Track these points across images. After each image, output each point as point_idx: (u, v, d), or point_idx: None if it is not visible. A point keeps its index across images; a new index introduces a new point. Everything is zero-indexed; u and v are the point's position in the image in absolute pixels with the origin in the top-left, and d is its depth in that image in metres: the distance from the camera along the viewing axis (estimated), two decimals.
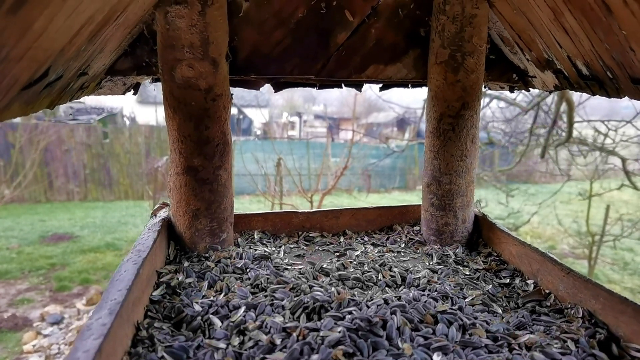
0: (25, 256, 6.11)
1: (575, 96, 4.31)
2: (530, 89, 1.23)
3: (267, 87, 1.15)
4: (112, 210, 9.13)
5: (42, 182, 9.71)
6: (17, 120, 9.90)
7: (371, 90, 5.08)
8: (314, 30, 1.05)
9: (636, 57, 0.74)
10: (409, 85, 1.20)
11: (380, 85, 1.19)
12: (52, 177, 9.81)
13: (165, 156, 8.57)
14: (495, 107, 5.63)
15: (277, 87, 1.12)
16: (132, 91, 1.09)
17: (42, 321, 4.61)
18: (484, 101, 5.04)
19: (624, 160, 4.83)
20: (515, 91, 1.29)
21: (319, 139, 13.92)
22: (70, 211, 8.90)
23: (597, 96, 0.98)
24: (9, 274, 5.55)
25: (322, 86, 1.15)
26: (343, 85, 1.16)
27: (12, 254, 6.20)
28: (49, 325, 4.54)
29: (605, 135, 4.94)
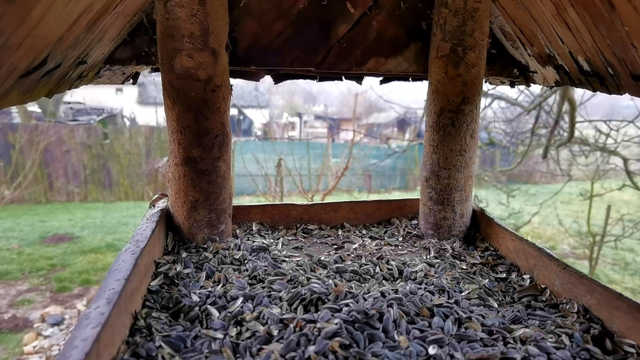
0: (25, 257, 6.11)
1: (577, 96, 4.32)
2: (531, 84, 1.23)
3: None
4: (113, 211, 9.12)
5: (42, 183, 9.71)
6: (17, 120, 9.92)
7: (372, 90, 5.08)
8: (315, 22, 1.05)
9: (638, 53, 0.74)
10: (410, 79, 1.20)
11: (381, 78, 1.19)
12: (52, 178, 9.81)
13: (166, 157, 8.57)
14: (497, 107, 5.62)
15: (277, 79, 1.12)
16: (131, 81, 1.09)
17: (43, 322, 4.60)
18: (485, 101, 5.05)
19: (625, 160, 4.82)
20: (515, 86, 1.29)
21: (320, 140, 13.94)
22: (71, 212, 8.89)
23: (598, 93, 0.98)
24: (9, 274, 5.55)
25: (322, 78, 1.15)
26: (343, 77, 1.16)
27: (12, 254, 6.19)
28: (50, 326, 4.52)
29: (607, 136, 4.93)
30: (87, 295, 5.13)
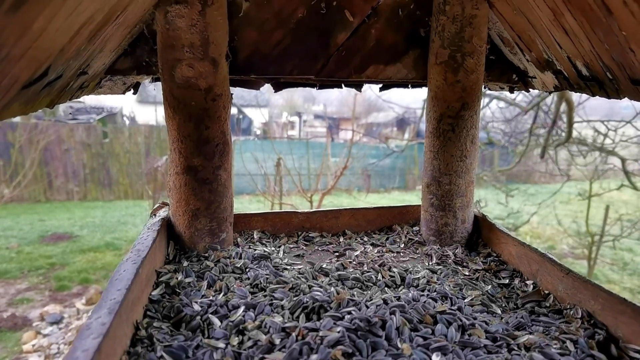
0: (24, 256, 6.11)
1: (575, 96, 4.32)
2: (530, 89, 1.23)
3: (267, 87, 1.15)
4: (112, 209, 9.12)
5: (42, 182, 9.70)
6: (17, 119, 9.88)
7: (371, 90, 5.09)
8: (314, 31, 1.05)
9: (636, 57, 0.74)
10: (409, 86, 1.20)
11: (380, 85, 1.19)
12: (51, 177, 9.81)
13: (165, 156, 8.57)
14: (495, 107, 5.64)
15: (277, 87, 1.12)
16: (131, 90, 1.09)
17: (42, 321, 4.61)
18: (483, 101, 5.05)
19: (623, 160, 4.83)
20: (515, 92, 1.29)
21: (319, 139, 13.94)
22: (70, 211, 8.89)
23: (597, 97, 0.98)
24: (8, 273, 5.55)
25: (322, 86, 1.15)
26: (343, 85, 1.16)
27: (11, 253, 6.20)
28: (49, 324, 4.53)
29: (605, 136, 4.95)
30: (86, 294, 5.14)
